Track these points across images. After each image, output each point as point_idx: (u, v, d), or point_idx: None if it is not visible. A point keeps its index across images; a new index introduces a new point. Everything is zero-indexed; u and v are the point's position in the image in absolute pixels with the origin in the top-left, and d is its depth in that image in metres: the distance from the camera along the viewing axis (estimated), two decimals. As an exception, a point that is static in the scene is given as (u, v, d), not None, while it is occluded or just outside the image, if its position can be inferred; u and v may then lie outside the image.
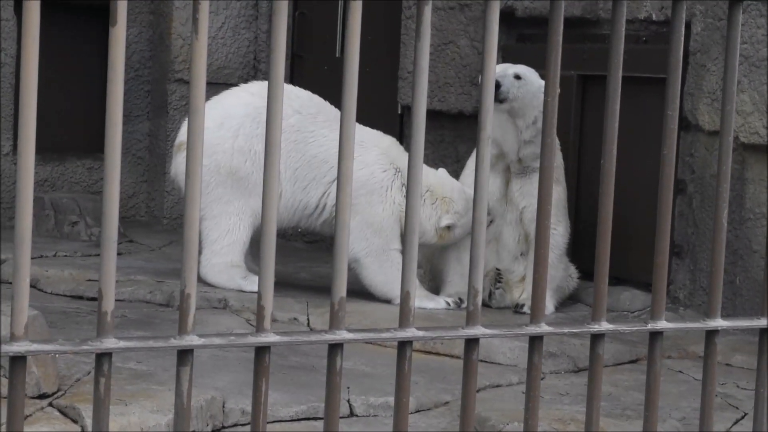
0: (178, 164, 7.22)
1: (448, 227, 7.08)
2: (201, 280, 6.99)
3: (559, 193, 7.10)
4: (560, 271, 7.20)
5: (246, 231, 7.14)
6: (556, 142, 6.99)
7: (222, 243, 7.12)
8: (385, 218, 7.04)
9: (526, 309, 6.94)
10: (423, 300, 6.93)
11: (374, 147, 7.12)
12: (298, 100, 7.17)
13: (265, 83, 7.41)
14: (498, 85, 6.80)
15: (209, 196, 7.07)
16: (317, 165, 7.10)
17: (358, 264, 7.02)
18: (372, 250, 7.02)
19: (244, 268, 7.16)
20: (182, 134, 7.29)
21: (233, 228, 7.12)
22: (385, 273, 7.01)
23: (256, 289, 6.95)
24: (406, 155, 7.14)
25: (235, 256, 7.14)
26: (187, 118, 7.48)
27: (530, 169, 7.11)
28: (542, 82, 6.92)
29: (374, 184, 7.05)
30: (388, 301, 6.99)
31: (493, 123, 6.98)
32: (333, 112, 7.16)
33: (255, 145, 7.05)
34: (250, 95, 7.21)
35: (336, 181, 7.16)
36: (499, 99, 6.89)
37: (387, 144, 7.19)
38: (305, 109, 7.15)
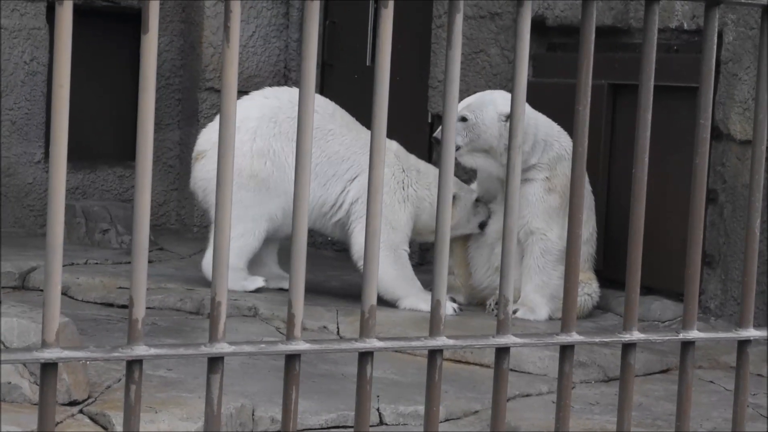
0: (196, 173, 7.26)
1: (454, 199, 7.15)
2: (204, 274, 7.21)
3: (554, 200, 7.07)
4: (555, 279, 7.06)
5: (260, 237, 7.18)
6: (566, 152, 6.99)
7: (233, 245, 7.14)
8: (405, 217, 7.17)
9: (519, 314, 6.98)
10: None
11: (389, 150, 7.21)
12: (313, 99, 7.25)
13: (278, 88, 7.53)
14: (437, 141, 6.82)
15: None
16: (337, 162, 7.18)
17: None
18: (388, 244, 7.06)
19: (246, 271, 7.22)
20: (200, 144, 7.35)
21: (247, 233, 7.14)
22: (396, 268, 7.05)
23: (258, 286, 7.16)
24: (409, 155, 7.37)
25: (241, 260, 7.17)
26: (203, 129, 7.57)
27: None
28: (503, 109, 6.82)
29: (396, 184, 7.20)
30: (393, 301, 6.98)
31: (474, 158, 7.02)
32: (346, 115, 7.30)
33: (273, 144, 7.11)
34: (263, 98, 7.29)
35: (356, 179, 7.27)
36: None
37: (396, 146, 7.33)
38: (322, 109, 7.24)
